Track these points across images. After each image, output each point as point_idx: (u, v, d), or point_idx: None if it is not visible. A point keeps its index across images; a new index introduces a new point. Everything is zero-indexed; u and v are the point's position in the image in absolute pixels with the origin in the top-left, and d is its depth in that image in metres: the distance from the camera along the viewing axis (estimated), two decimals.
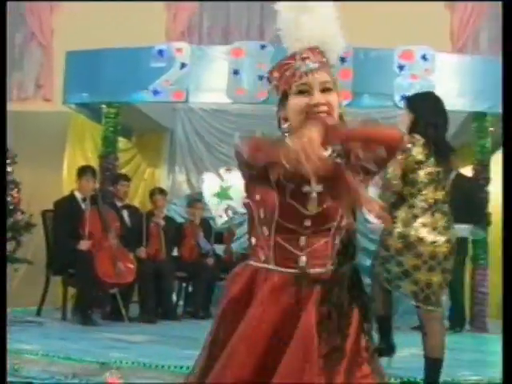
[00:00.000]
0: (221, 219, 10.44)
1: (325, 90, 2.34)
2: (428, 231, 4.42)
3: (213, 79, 8.76)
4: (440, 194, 4.51)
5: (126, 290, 7.94)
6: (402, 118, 4.74)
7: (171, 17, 11.57)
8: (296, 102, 2.35)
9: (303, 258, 2.36)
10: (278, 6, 2.41)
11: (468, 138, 8.91)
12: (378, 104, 8.55)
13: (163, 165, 11.24)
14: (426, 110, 4.64)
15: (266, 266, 2.38)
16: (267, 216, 2.36)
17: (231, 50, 8.75)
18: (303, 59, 2.34)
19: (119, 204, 8.53)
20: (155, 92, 8.68)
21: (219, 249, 9.52)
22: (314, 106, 2.31)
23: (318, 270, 2.37)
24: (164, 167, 11.23)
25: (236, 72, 8.61)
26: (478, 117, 8.62)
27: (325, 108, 2.31)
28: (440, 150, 4.50)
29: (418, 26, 10.10)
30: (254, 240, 2.44)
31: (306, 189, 2.32)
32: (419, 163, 4.45)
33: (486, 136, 8.63)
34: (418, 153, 4.45)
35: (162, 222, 8.67)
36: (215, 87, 8.76)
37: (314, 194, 2.32)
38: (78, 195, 7.93)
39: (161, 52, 8.76)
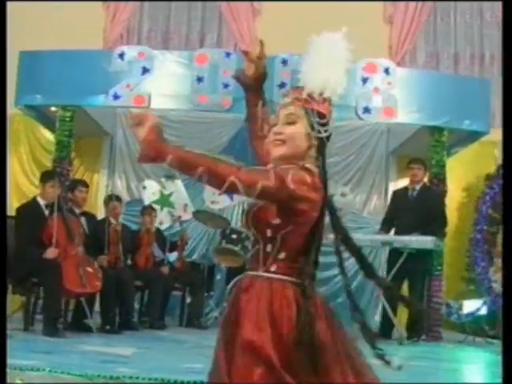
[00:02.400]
0: (162, 226, 10.26)
1: (289, 122, 2.70)
2: None
3: (176, 85, 8.61)
4: None
5: (91, 299, 7.71)
6: None
7: (110, 18, 11.33)
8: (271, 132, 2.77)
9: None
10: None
11: (416, 150, 9.08)
12: (340, 116, 8.60)
13: (102, 170, 10.97)
14: None
15: (281, 277, 2.65)
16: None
17: (195, 57, 8.61)
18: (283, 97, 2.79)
19: (78, 211, 8.25)
20: (115, 96, 8.43)
21: (170, 256, 9.35)
22: (274, 135, 2.72)
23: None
24: (103, 172, 10.96)
25: (200, 79, 8.49)
26: (436, 131, 8.74)
27: (281, 137, 2.69)
28: None
29: (356, 40, 10.20)
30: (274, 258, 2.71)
31: None
32: None
33: (442, 150, 8.77)
34: None
35: (120, 230, 8.48)
36: (178, 93, 8.61)
37: None
38: (41, 201, 7.61)
39: (121, 55, 8.54)
